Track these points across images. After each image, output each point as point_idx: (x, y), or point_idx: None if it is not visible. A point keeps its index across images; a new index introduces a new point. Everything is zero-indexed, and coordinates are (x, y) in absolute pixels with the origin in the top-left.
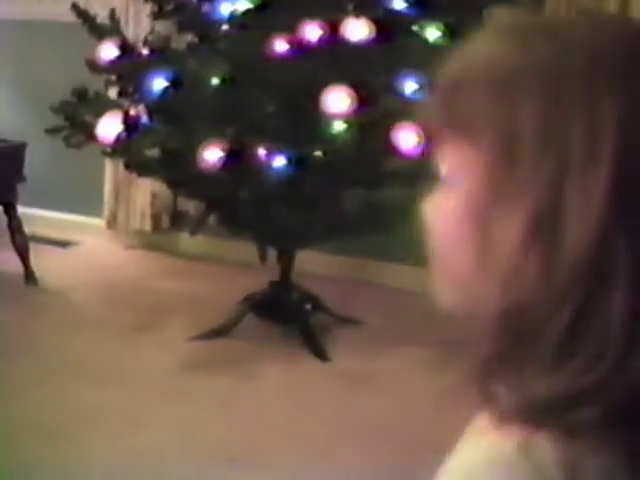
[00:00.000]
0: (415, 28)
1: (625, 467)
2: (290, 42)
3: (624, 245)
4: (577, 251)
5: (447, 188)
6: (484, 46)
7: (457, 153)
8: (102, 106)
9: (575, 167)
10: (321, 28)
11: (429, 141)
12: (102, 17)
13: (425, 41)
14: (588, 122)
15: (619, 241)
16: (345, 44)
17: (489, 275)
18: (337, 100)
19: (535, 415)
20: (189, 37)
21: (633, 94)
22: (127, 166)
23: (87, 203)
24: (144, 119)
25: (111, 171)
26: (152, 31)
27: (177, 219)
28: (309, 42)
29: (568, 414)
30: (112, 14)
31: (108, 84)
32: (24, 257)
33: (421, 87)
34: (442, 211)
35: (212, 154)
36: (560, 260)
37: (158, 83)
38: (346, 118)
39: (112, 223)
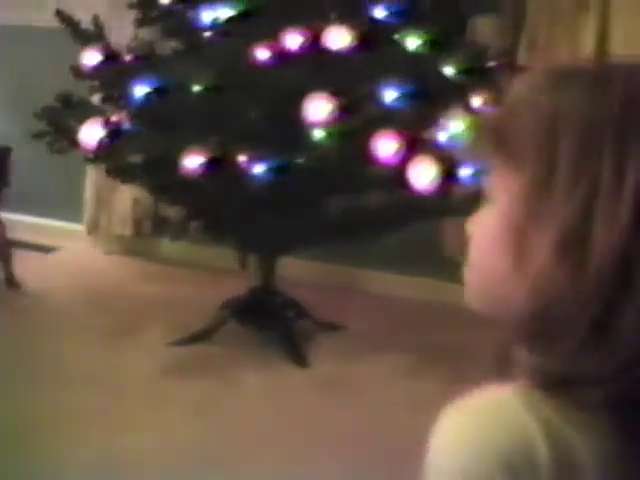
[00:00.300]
0: (397, 37)
1: (620, 455)
2: (273, 50)
3: None
4: (601, 265)
5: (490, 207)
6: (532, 89)
7: (503, 179)
8: (86, 112)
9: (602, 194)
10: (303, 36)
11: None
12: (86, 23)
13: (406, 50)
14: (615, 158)
15: (639, 258)
16: (327, 52)
17: (522, 281)
18: (319, 108)
19: (547, 380)
20: (173, 44)
21: None
22: (109, 172)
23: (69, 208)
24: (127, 125)
25: (93, 177)
26: (136, 38)
27: (158, 225)
28: (292, 50)
29: (576, 390)
30: (96, 20)
31: (92, 90)
32: (6, 262)
33: (402, 95)
34: (484, 226)
35: (195, 161)
36: (586, 272)
37: (141, 89)
38: (328, 126)
39: (93, 228)
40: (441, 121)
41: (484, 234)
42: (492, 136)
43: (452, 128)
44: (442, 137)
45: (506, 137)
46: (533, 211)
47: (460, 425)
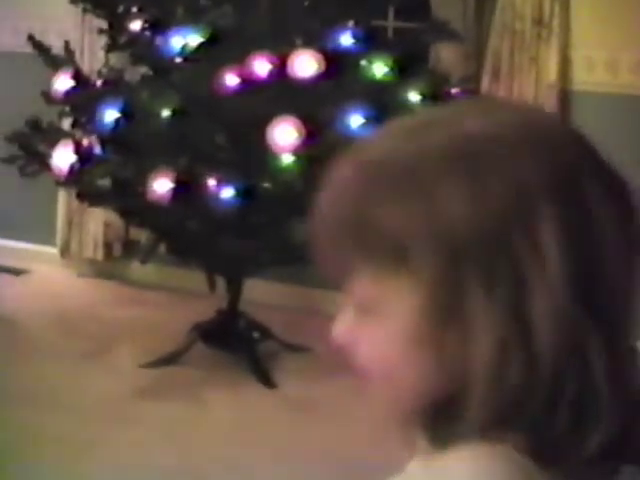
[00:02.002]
0: (363, 63)
1: None
2: (240, 75)
3: (593, 329)
4: (551, 347)
5: (366, 316)
6: (376, 147)
7: (381, 281)
8: (56, 136)
9: (528, 277)
10: (270, 62)
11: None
12: (58, 48)
13: (372, 76)
14: (525, 233)
15: (586, 325)
16: (294, 78)
17: (452, 377)
18: (285, 133)
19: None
20: (142, 69)
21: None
22: (79, 196)
23: (41, 231)
24: (97, 150)
25: (64, 200)
26: (107, 63)
27: (129, 248)
28: (258, 76)
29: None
30: (67, 46)
31: (62, 115)
32: None
33: (367, 121)
34: (371, 340)
35: (162, 185)
36: (537, 358)
37: (110, 114)
38: (294, 151)
39: (65, 251)
40: None
41: (375, 349)
42: (350, 232)
43: None
44: None
45: (365, 226)
46: (448, 318)
47: None
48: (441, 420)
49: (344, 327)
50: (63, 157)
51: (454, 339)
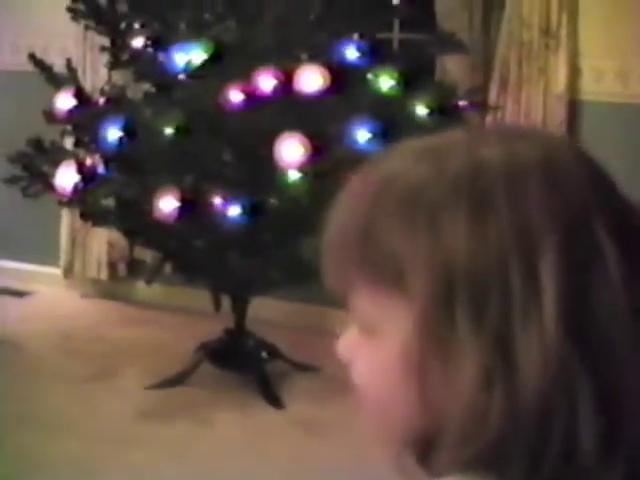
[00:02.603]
0: (369, 76)
1: None
2: (245, 91)
3: (582, 367)
4: (536, 382)
5: (367, 335)
6: (388, 168)
7: (378, 301)
8: (58, 156)
9: (517, 311)
10: (275, 77)
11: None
12: (59, 66)
13: (378, 89)
14: (524, 264)
15: (576, 365)
16: (299, 93)
17: (435, 406)
18: (291, 149)
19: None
20: (145, 86)
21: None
22: (83, 216)
23: (44, 252)
24: (100, 169)
25: (68, 220)
26: (109, 80)
27: (133, 267)
28: (263, 91)
29: None
30: (69, 63)
31: (64, 134)
32: None
33: (374, 136)
34: (368, 360)
35: (167, 203)
36: (520, 390)
37: (113, 133)
38: (300, 167)
39: (69, 272)
40: None
41: (372, 371)
42: (354, 247)
43: None
44: None
45: (369, 247)
46: (434, 346)
47: None
48: (428, 451)
49: (346, 343)
50: (66, 177)
51: (438, 368)
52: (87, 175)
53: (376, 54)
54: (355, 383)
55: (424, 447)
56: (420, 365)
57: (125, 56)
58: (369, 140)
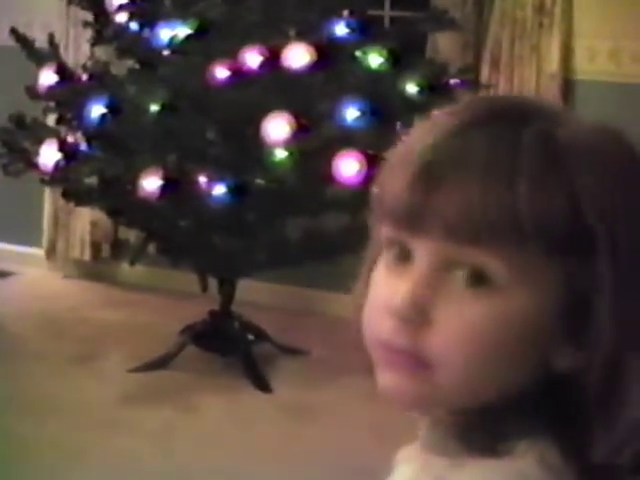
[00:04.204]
0: (358, 54)
1: None
2: (231, 68)
3: None
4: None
5: (474, 288)
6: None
7: (519, 256)
8: (41, 133)
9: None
10: (262, 54)
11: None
12: (42, 41)
13: (368, 67)
14: None
15: None
16: (286, 70)
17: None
18: (278, 127)
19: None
20: (129, 63)
21: None
22: (65, 195)
23: (25, 232)
24: (83, 147)
25: (50, 199)
26: (92, 57)
27: (117, 248)
28: (250, 68)
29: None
30: (51, 39)
31: (46, 110)
32: None
33: (363, 114)
34: (471, 316)
35: (151, 182)
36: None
37: (96, 110)
38: (287, 145)
39: (51, 252)
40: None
41: (487, 330)
42: (461, 211)
43: None
44: None
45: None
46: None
47: None
48: (490, 422)
49: (426, 291)
50: (48, 154)
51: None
52: (69, 153)
53: (366, 31)
54: (420, 344)
55: (490, 418)
56: (543, 336)
57: (108, 32)
58: (358, 118)
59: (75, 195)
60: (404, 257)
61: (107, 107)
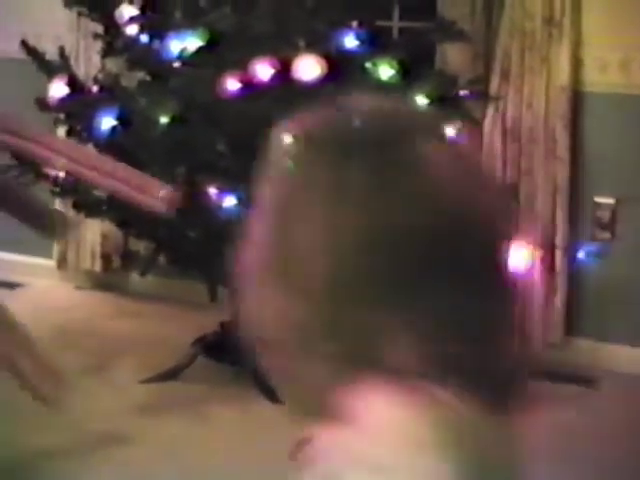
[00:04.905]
0: (368, 65)
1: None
2: (241, 80)
3: None
4: None
5: None
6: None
7: None
8: None
9: None
10: (272, 66)
11: None
12: (52, 53)
13: (378, 79)
14: None
15: None
16: (296, 82)
17: None
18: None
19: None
20: (140, 75)
21: None
22: (76, 206)
23: (36, 243)
24: None
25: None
26: (102, 68)
27: (128, 259)
28: (260, 80)
29: None
30: (61, 51)
31: (57, 122)
32: None
33: None
34: None
35: None
36: None
37: (107, 122)
38: None
39: (62, 263)
40: None
41: None
42: None
43: None
44: None
45: None
46: None
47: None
48: None
49: None
50: None
51: None
52: None
53: (375, 42)
54: None
55: None
56: None
57: (119, 44)
58: None
59: (86, 207)
60: None
61: (117, 119)
